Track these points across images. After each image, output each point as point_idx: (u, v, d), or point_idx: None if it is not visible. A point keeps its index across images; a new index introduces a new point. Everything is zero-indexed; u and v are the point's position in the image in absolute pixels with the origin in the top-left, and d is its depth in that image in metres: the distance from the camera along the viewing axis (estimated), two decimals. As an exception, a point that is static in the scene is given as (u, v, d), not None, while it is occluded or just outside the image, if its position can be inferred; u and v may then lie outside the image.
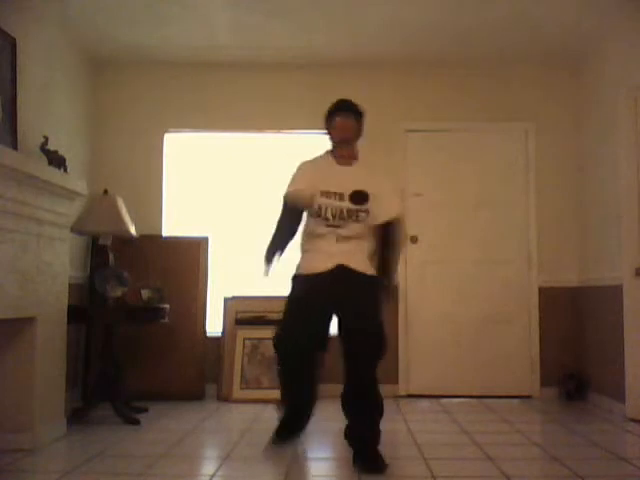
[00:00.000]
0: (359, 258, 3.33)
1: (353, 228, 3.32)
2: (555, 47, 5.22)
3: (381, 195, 3.35)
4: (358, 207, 3.30)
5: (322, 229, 3.34)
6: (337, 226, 3.32)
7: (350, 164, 3.41)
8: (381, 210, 3.34)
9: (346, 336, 3.27)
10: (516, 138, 5.61)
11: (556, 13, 4.60)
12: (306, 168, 3.47)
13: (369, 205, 3.32)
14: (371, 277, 3.34)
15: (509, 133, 5.63)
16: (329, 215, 3.31)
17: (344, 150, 3.41)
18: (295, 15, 4.68)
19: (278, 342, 3.38)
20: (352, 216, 3.30)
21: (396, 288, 5.19)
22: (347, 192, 3.31)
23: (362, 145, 3.48)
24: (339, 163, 3.41)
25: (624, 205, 4.57)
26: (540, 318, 5.44)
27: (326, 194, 3.31)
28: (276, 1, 4.49)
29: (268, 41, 5.14)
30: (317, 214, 3.33)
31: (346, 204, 3.30)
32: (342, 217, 3.30)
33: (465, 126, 5.61)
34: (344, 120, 3.34)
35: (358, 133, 3.40)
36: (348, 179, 3.35)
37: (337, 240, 3.32)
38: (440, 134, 5.61)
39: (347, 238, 3.32)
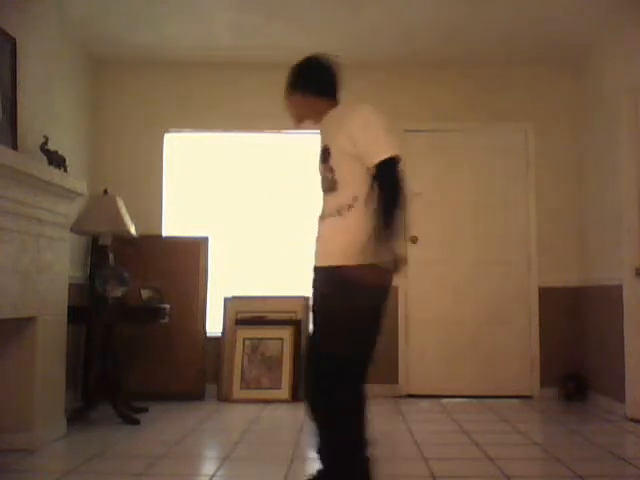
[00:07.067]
0: (330, 245, 2.51)
1: (330, 200, 2.55)
2: (555, 47, 5.22)
3: (355, 140, 2.48)
4: (323, 166, 2.56)
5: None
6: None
7: (320, 120, 2.71)
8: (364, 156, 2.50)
9: None
10: (516, 138, 5.60)
11: (556, 13, 4.61)
12: None
13: (332, 162, 2.52)
14: (332, 269, 2.47)
15: (509, 133, 5.63)
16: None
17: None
18: (295, 15, 4.68)
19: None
20: (325, 181, 2.57)
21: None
22: (320, 155, 2.62)
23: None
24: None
25: (624, 205, 4.57)
26: (540, 318, 5.43)
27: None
28: (276, 1, 4.50)
29: (268, 41, 5.14)
30: None
31: (321, 168, 2.60)
32: (323, 188, 2.61)
33: (465, 126, 5.60)
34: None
35: (302, 108, 2.75)
36: (321, 139, 2.68)
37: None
38: (440, 134, 5.61)
39: (322, 218, 2.58)
